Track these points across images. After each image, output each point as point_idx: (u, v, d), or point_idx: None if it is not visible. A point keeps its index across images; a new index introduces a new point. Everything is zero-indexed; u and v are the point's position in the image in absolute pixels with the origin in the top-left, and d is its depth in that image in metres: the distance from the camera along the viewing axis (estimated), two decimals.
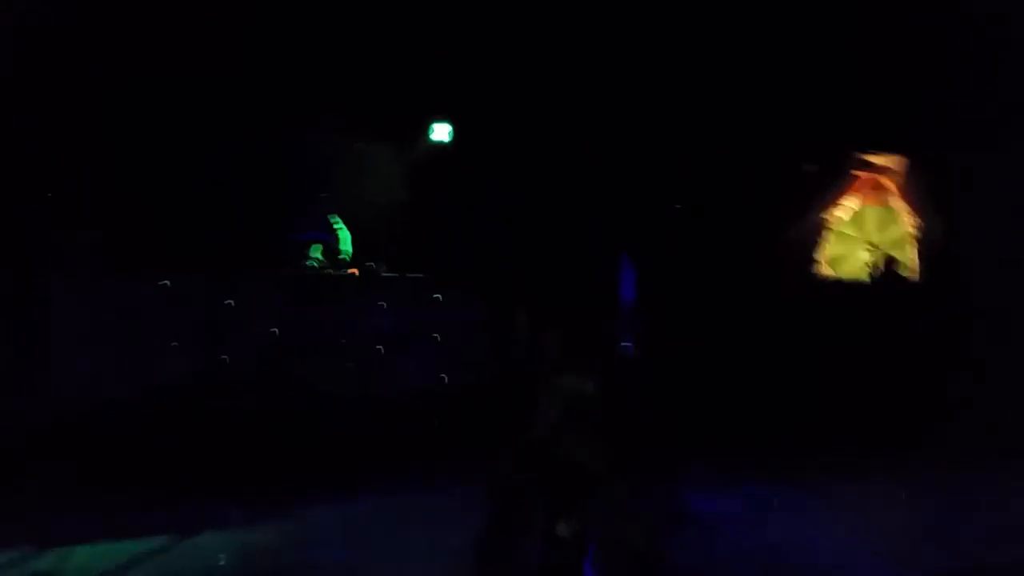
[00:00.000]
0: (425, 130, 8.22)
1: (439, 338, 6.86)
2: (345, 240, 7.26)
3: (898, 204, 9.93)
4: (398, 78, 7.57)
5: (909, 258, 9.74)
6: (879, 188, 10.29)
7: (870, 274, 9.73)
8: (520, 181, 7.66)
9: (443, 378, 6.72)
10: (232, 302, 6.16)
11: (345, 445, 6.17)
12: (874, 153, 9.65)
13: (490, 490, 3.82)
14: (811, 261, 10.02)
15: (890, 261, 9.29)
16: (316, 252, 7.23)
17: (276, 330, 6.24)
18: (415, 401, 6.57)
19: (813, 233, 10.04)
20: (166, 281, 6.05)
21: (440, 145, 8.28)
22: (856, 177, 9.91)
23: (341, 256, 7.22)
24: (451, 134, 8.20)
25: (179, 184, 6.87)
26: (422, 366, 6.79)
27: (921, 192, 9.54)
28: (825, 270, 10.03)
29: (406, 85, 7.65)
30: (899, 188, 9.81)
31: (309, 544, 4.84)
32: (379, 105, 7.75)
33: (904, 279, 9.30)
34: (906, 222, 9.85)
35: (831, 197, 9.95)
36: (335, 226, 7.22)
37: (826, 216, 10.02)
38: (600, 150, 7.97)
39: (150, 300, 6.29)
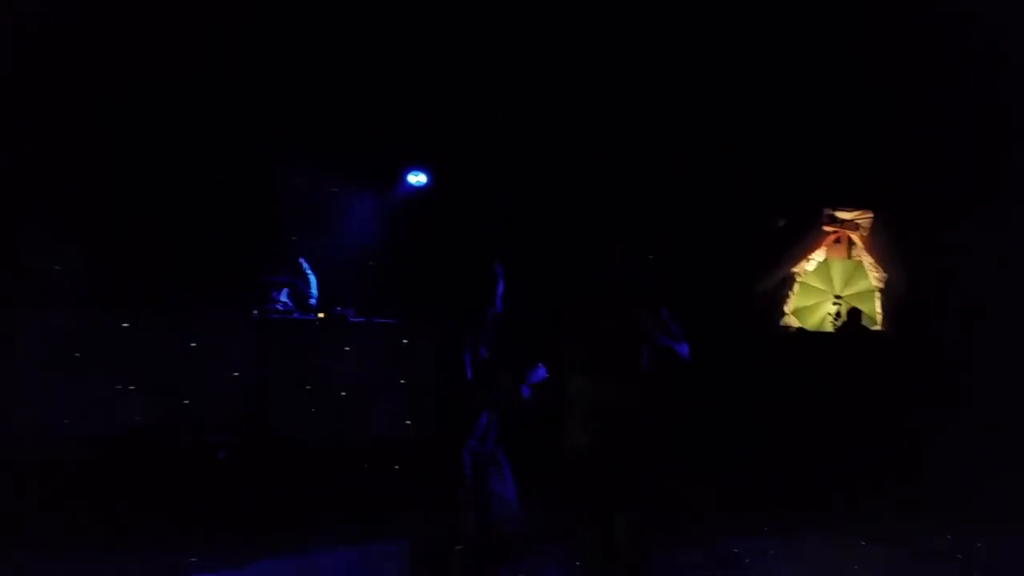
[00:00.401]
0: (401, 175, 8.31)
1: (405, 384, 6.84)
2: (313, 284, 7.26)
3: (864, 258, 10.12)
4: (376, 122, 7.64)
5: (873, 310, 9.91)
6: (846, 242, 10.51)
7: (835, 325, 9.86)
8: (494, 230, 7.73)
9: (408, 425, 6.69)
10: (195, 344, 6.11)
11: (307, 492, 6.07)
12: (841, 209, 9.87)
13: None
14: (779, 312, 10.17)
15: (855, 313, 9.41)
16: (283, 295, 7.23)
17: (237, 373, 6.18)
18: (379, 448, 6.50)
19: (782, 285, 10.20)
20: (125, 324, 5.99)
21: (416, 192, 8.36)
22: (824, 231, 10.12)
23: (309, 300, 7.21)
24: (427, 180, 8.29)
25: (147, 223, 6.84)
26: (387, 413, 6.75)
27: (886, 246, 9.74)
28: (791, 321, 10.17)
29: (383, 131, 7.72)
30: (865, 242, 10.02)
31: None
32: (355, 150, 7.81)
33: (868, 330, 9.43)
34: (871, 275, 10.04)
35: (799, 251, 10.13)
36: (304, 269, 7.21)
37: (794, 269, 10.20)
38: (578, 200, 8.10)
39: (113, 339, 6.21)
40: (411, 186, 8.29)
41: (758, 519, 6.46)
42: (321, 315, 7.08)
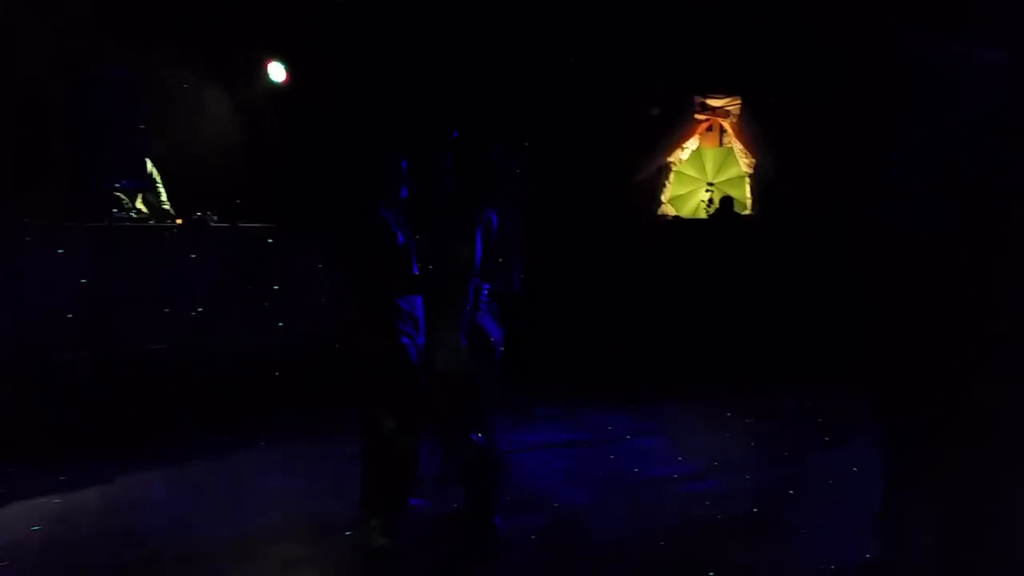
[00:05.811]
0: (259, 68, 7.80)
1: (277, 288, 6.58)
2: (162, 188, 6.77)
3: (734, 144, 10.31)
4: (230, 9, 7.05)
5: (744, 195, 10.19)
6: (717, 130, 10.68)
7: (708, 212, 10.10)
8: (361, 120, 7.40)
9: (280, 326, 6.47)
10: (48, 254, 5.58)
11: (173, 403, 5.83)
12: (712, 96, 9.94)
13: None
14: (656, 201, 10.31)
15: (727, 200, 9.64)
16: (136, 201, 6.73)
17: (85, 280, 5.72)
18: (252, 354, 6.28)
19: (658, 175, 10.30)
20: None
21: (275, 85, 7.87)
22: (696, 120, 10.20)
23: (162, 205, 6.73)
24: (286, 73, 7.80)
25: None
26: (259, 317, 6.50)
27: (754, 133, 9.93)
28: (668, 210, 10.34)
29: (237, 17, 7.13)
30: (735, 129, 10.18)
31: (137, 505, 4.55)
32: (209, 41, 7.22)
33: (739, 215, 9.70)
34: (741, 161, 10.26)
35: (674, 140, 10.20)
36: (153, 174, 6.68)
37: (669, 159, 10.30)
38: (443, 88, 7.80)
39: None
40: (273, 80, 7.79)
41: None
42: (179, 221, 6.65)
